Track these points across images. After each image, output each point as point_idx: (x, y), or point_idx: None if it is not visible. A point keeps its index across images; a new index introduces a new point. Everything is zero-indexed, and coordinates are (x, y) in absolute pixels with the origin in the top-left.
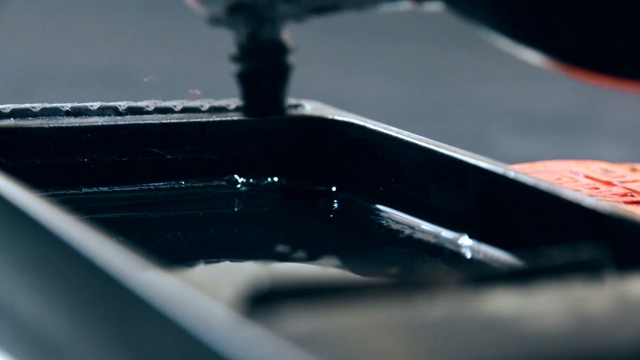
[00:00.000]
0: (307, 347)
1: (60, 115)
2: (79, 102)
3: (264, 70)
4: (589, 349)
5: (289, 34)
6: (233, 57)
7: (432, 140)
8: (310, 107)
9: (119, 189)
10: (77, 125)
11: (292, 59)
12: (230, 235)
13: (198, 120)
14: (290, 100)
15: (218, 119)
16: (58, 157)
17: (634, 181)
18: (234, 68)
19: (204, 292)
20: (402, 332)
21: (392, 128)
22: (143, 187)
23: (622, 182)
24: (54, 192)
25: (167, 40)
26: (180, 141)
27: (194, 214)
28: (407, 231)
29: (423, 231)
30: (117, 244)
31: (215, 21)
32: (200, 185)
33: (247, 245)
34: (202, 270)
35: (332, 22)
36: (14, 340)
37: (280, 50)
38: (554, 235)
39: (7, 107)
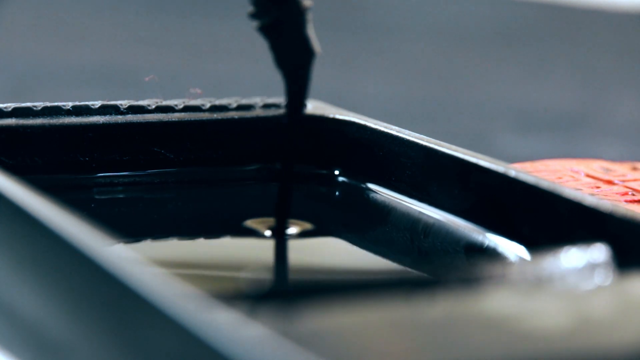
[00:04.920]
0: (310, 347)
1: (61, 114)
2: (80, 101)
3: (282, 17)
4: (589, 349)
5: None
6: (251, 14)
7: (433, 139)
8: (311, 106)
9: (119, 188)
10: (78, 124)
11: (306, 1)
12: (230, 236)
13: (199, 119)
14: None
15: (219, 117)
16: (59, 156)
17: (635, 180)
18: (254, 24)
19: (205, 291)
20: (404, 331)
21: (393, 127)
22: (144, 186)
23: (623, 181)
24: (55, 191)
25: (168, 39)
26: (182, 140)
27: (194, 214)
28: (407, 229)
29: (424, 230)
30: (118, 242)
31: None
32: (200, 184)
33: (247, 246)
34: (203, 269)
35: (333, 22)
36: (14, 339)
37: None
38: (554, 235)
39: (9, 105)
